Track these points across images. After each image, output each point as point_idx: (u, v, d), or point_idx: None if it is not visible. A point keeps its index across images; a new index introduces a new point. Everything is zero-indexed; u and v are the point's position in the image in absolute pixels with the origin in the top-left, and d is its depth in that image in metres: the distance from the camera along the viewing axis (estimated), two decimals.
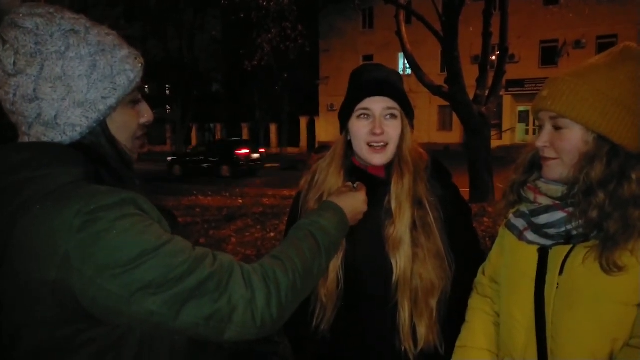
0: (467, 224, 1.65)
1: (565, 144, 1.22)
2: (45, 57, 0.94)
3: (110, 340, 0.93)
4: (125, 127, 1.04)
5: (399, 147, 1.52)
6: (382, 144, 1.50)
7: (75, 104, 0.96)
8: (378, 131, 1.48)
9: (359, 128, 1.51)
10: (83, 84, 0.96)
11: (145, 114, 1.10)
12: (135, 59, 1.04)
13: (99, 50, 0.98)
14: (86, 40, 0.97)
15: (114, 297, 0.85)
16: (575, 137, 1.21)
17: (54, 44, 0.94)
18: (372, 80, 1.52)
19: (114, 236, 0.86)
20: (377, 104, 1.49)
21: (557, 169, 1.25)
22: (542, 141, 1.26)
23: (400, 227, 1.47)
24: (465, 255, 1.56)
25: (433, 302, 1.49)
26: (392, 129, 1.50)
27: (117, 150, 1.02)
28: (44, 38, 0.94)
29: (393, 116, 1.50)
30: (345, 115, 1.56)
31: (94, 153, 0.98)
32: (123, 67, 1.00)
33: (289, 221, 1.68)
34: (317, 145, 30.94)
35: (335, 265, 1.52)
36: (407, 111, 1.53)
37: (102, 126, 1.00)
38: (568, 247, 1.24)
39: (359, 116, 1.51)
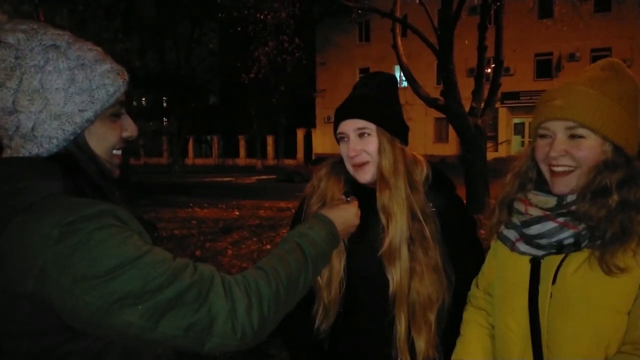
0: (470, 236, 1.64)
1: (585, 153, 1.22)
2: (24, 70, 0.95)
3: (92, 352, 0.92)
4: (104, 140, 1.05)
5: (378, 162, 1.52)
6: (363, 162, 1.52)
7: (52, 117, 0.97)
8: (352, 153, 1.52)
9: (342, 151, 1.57)
10: (60, 97, 0.97)
11: (129, 127, 1.10)
12: (118, 74, 1.04)
13: (78, 64, 1.00)
14: (65, 55, 0.99)
15: (91, 308, 0.85)
16: (593, 145, 1.22)
17: (33, 58, 0.96)
18: (344, 103, 1.57)
19: (91, 247, 0.86)
20: (349, 126, 1.52)
21: (573, 181, 1.25)
22: (557, 150, 1.24)
23: (394, 242, 1.47)
24: (467, 268, 1.55)
25: (432, 317, 1.49)
26: (369, 146, 1.51)
27: (95, 162, 1.03)
28: (23, 52, 0.96)
29: (367, 134, 1.51)
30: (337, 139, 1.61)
31: (72, 165, 0.99)
32: (102, 81, 1.01)
33: (293, 225, 1.67)
34: (314, 157, 30.96)
35: (338, 270, 1.52)
36: (387, 126, 1.52)
37: (79, 139, 1.01)
38: (560, 257, 1.25)
39: (339, 139, 1.57)
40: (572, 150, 1.23)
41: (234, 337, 0.94)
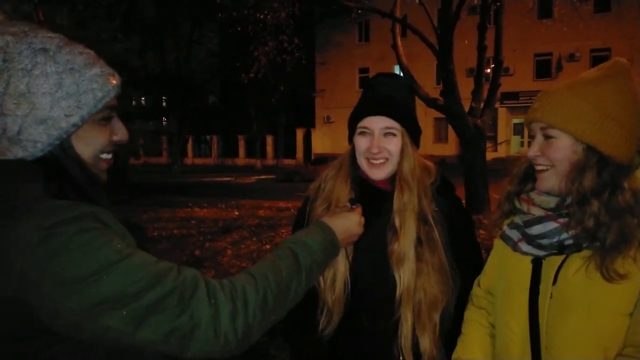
0: (470, 237, 1.66)
1: (555, 153, 1.25)
2: (12, 74, 0.94)
3: (76, 356, 0.91)
4: (91, 144, 1.03)
5: (399, 164, 1.53)
6: (382, 160, 1.52)
7: (38, 121, 0.95)
8: (375, 150, 1.50)
9: (360, 144, 1.55)
10: (46, 102, 0.96)
11: (119, 132, 1.08)
12: (107, 78, 1.03)
13: (67, 68, 0.98)
14: (54, 59, 0.98)
15: (72, 312, 0.84)
16: (564, 146, 1.24)
17: (20, 61, 0.95)
18: (374, 98, 1.55)
19: (71, 251, 0.85)
20: (376, 123, 1.51)
21: (551, 179, 1.27)
22: (533, 151, 1.29)
23: (405, 244, 1.48)
24: (468, 267, 1.57)
25: (436, 316, 1.50)
26: (391, 146, 1.52)
27: (80, 166, 1.01)
28: (12, 55, 0.95)
29: (392, 134, 1.52)
30: (350, 131, 1.59)
31: (57, 169, 0.98)
32: (90, 85, 1.00)
33: (295, 225, 1.68)
34: (313, 157, 30.96)
35: (343, 272, 1.52)
36: (410, 128, 1.54)
37: (65, 143, 0.99)
38: (561, 258, 1.25)
39: (359, 133, 1.55)
40: (545, 151, 1.26)
41: (216, 343, 0.92)
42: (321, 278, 1.53)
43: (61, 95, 0.97)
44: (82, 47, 1.04)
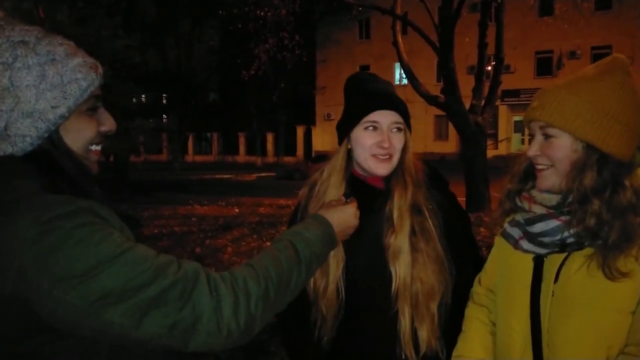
0: (465, 231, 1.66)
1: (555, 152, 1.24)
2: None
3: (78, 352, 0.91)
4: (80, 136, 1.02)
5: (402, 158, 1.54)
6: (388, 155, 1.51)
7: (24, 115, 0.94)
8: (386, 144, 1.48)
9: (365, 139, 1.51)
10: (31, 94, 0.94)
11: (106, 122, 1.07)
12: (90, 67, 1.01)
13: (48, 59, 0.97)
14: (35, 50, 0.96)
15: (72, 308, 0.83)
16: (564, 145, 1.23)
17: (0, 55, 0.94)
18: (379, 93, 1.53)
19: (70, 246, 0.84)
20: (386, 118, 1.50)
21: (551, 178, 1.27)
22: (533, 150, 1.28)
23: (401, 236, 1.48)
24: (464, 261, 1.57)
25: (434, 306, 1.50)
26: (398, 141, 1.52)
27: (72, 159, 1.00)
28: None
29: (399, 129, 1.52)
30: (348, 125, 1.55)
31: (48, 163, 0.97)
32: (74, 75, 0.98)
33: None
34: (313, 155, 30.96)
35: (336, 275, 1.52)
36: (408, 123, 1.56)
37: (54, 135, 0.98)
38: (563, 255, 1.25)
39: (365, 128, 1.51)
40: (545, 150, 1.26)
41: (219, 335, 0.92)
42: (314, 284, 1.53)
43: (45, 86, 0.95)
44: (61, 37, 1.02)
